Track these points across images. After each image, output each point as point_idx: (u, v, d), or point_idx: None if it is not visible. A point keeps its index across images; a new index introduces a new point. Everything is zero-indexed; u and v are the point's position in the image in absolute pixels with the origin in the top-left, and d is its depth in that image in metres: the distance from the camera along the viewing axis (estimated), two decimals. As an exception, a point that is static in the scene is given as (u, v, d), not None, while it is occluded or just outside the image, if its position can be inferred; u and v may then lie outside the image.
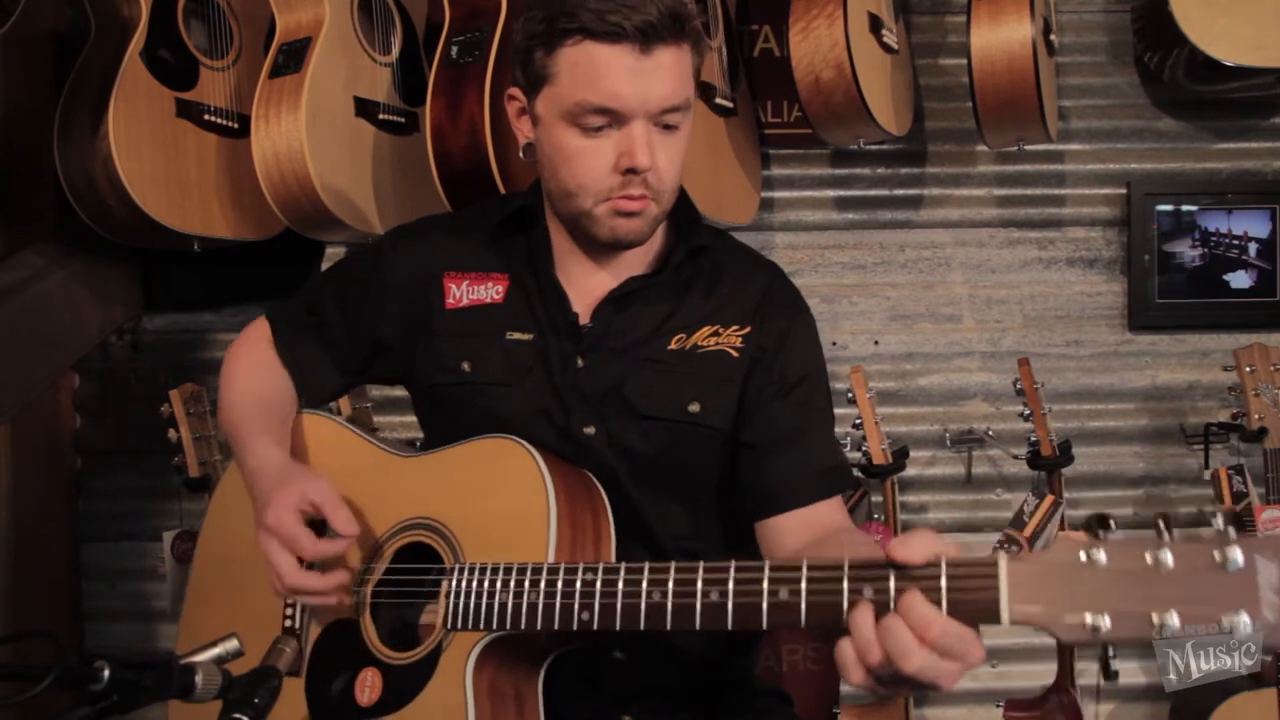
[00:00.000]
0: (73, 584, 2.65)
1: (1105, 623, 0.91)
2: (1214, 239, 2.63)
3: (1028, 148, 2.44)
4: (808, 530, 1.32)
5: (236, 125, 2.20)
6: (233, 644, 1.20)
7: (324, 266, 2.58)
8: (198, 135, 2.16)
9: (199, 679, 1.05)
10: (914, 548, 0.97)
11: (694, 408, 1.35)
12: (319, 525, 1.28)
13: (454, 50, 2.05)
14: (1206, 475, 2.46)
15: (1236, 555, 0.89)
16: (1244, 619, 0.88)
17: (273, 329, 1.51)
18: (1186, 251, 2.63)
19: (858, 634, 0.97)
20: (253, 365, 1.50)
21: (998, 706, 2.32)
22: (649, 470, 1.35)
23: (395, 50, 2.21)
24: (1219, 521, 0.93)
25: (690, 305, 1.40)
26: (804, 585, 1.03)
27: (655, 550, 1.35)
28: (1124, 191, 2.65)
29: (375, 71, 2.18)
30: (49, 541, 2.60)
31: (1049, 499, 2.27)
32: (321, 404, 1.52)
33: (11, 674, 0.97)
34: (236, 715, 1.03)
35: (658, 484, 1.36)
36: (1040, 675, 2.43)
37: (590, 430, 1.34)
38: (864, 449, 2.26)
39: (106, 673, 0.97)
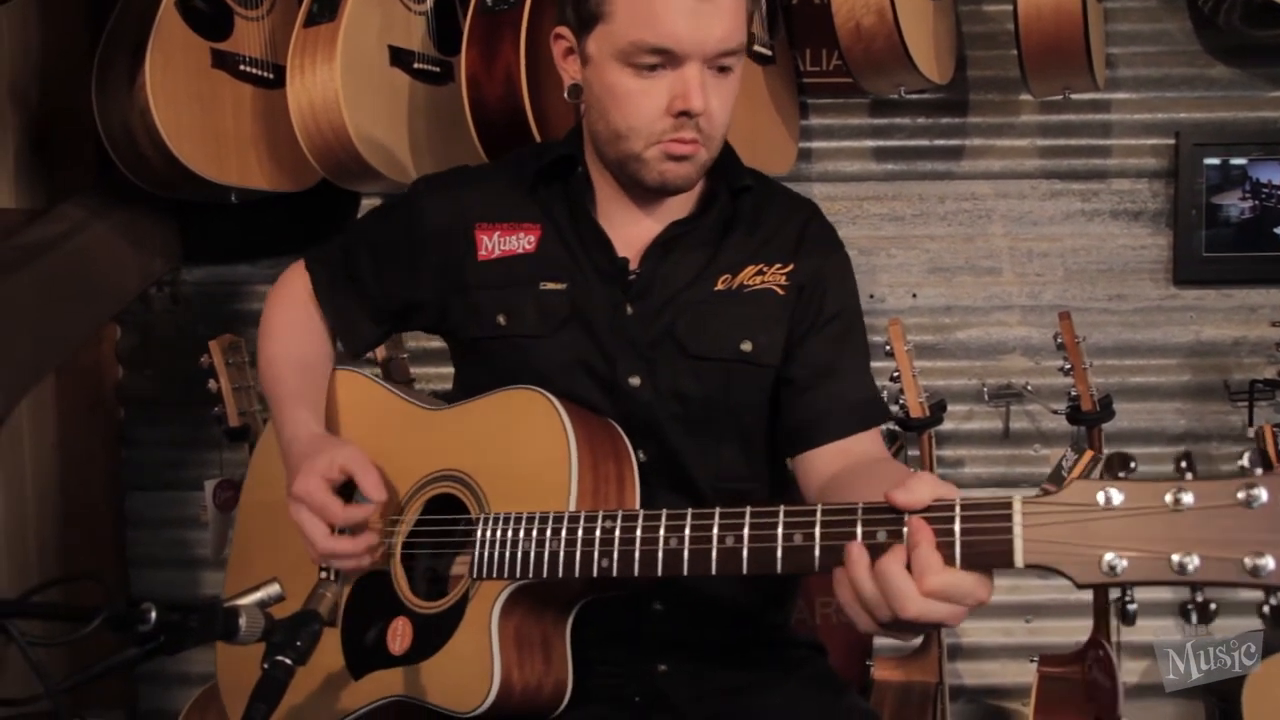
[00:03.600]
0: (118, 531, 2.71)
1: (1122, 564, 0.88)
2: (1265, 191, 2.56)
3: (1073, 96, 2.38)
4: (841, 459, 1.32)
5: (272, 76, 2.19)
6: (274, 589, 1.22)
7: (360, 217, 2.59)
8: (233, 86, 2.15)
9: (243, 622, 1.07)
10: (915, 492, 0.98)
11: (746, 346, 1.35)
12: (348, 493, 1.30)
13: (489, -3, 2.03)
14: (1250, 432, 2.41)
15: (1261, 493, 0.85)
16: (1268, 561, 0.84)
17: (312, 279, 1.50)
18: (1235, 204, 2.57)
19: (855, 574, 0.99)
20: (292, 321, 1.50)
21: (1032, 661, 2.31)
22: (701, 414, 1.35)
23: (430, -2, 2.19)
24: (1245, 459, 0.89)
25: (733, 245, 1.39)
26: (818, 529, 1.03)
27: (697, 501, 1.34)
28: (1172, 142, 2.58)
29: (410, 20, 2.16)
30: (95, 490, 2.66)
31: (1088, 454, 2.24)
32: (362, 353, 1.53)
33: (62, 614, 0.99)
34: (279, 658, 1.04)
35: (709, 427, 1.36)
36: (1075, 631, 2.42)
37: (636, 380, 1.34)
38: (901, 402, 2.25)
39: (154, 615, 0.99)
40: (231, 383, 2.26)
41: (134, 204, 2.34)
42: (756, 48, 2.28)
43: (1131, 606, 2.28)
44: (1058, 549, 0.91)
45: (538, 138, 1.96)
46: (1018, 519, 0.93)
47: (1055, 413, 2.45)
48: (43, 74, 2.44)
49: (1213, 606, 2.27)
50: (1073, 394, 2.27)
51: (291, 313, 1.50)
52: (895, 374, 2.26)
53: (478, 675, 1.19)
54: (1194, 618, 2.27)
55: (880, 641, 2.33)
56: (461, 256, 1.40)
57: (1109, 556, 0.89)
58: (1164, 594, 2.56)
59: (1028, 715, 2.21)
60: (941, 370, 2.63)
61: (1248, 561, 0.85)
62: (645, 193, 1.35)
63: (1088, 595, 2.33)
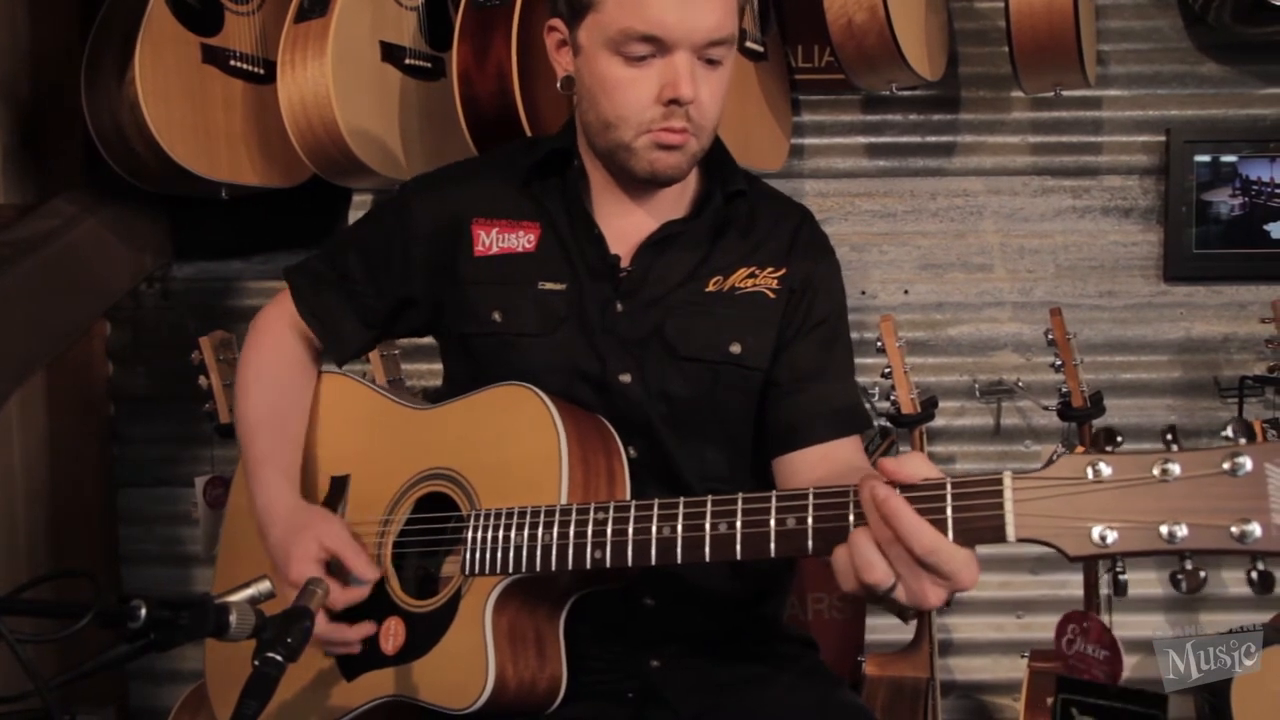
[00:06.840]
0: (110, 528, 2.70)
1: (1112, 535, 0.90)
2: (1255, 188, 2.57)
3: (1065, 93, 2.38)
4: (824, 465, 1.33)
5: (263, 71, 2.19)
6: (265, 585, 1.22)
7: (352, 213, 2.58)
8: (224, 81, 2.15)
9: (233, 618, 1.07)
10: (906, 465, 0.99)
11: (735, 348, 1.35)
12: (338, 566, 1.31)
13: (481, -8, 2.02)
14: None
15: (1245, 462, 0.87)
16: (1254, 527, 0.86)
17: (292, 289, 1.48)
18: (1225, 201, 2.57)
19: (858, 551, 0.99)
20: (264, 367, 1.47)
21: (1023, 657, 2.32)
22: (688, 414, 1.35)
23: (421, -7, 2.18)
24: (1229, 430, 0.91)
25: (726, 247, 1.39)
26: (810, 513, 1.04)
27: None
28: (1163, 139, 2.59)
29: (401, 15, 2.15)
30: (86, 486, 2.65)
31: (1079, 450, 2.24)
32: (349, 359, 1.51)
33: (52, 611, 0.99)
34: (270, 654, 1.04)
35: (695, 428, 1.36)
36: (1066, 626, 2.43)
37: (626, 378, 1.34)
38: (893, 398, 2.25)
39: (144, 611, 0.99)
40: (222, 379, 2.25)
41: (124, 200, 2.33)
42: (748, 44, 2.28)
43: (1123, 577, 2.30)
44: (1049, 523, 0.93)
45: (529, 133, 1.95)
46: (1008, 494, 0.95)
47: (1046, 409, 2.45)
48: (32, 68, 2.42)
49: (1202, 574, 2.30)
50: (1063, 390, 2.28)
51: (264, 357, 1.48)
52: (887, 370, 2.26)
53: (472, 672, 1.19)
54: (1183, 586, 2.30)
55: (871, 637, 2.34)
56: (456, 252, 1.40)
57: (1099, 528, 0.91)
58: (1156, 585, 2.57)
59: (1019, 710, 2.21)
60: (933, 366, 2.64)
61: (1234, 529, 0.87)
62: (636, 184, 1.35)
63: (1078, 590, 2.34)
